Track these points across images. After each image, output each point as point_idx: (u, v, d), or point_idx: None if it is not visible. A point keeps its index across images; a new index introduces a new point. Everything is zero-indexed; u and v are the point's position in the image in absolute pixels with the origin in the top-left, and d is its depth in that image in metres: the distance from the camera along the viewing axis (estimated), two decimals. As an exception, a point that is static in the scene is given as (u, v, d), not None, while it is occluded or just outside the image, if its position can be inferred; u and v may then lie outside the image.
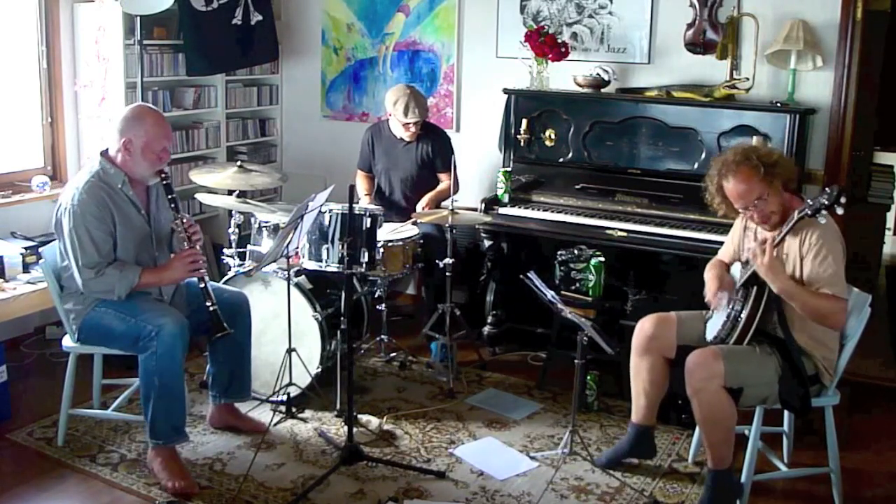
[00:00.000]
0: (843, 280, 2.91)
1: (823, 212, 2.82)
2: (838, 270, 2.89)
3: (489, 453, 3.52)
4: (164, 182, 3.26)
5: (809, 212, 2.83)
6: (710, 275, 3.22)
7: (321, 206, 3.65)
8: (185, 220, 3.27)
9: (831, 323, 2.92)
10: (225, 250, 4.18)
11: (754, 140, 4.05)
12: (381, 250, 3.99)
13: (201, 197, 4.16)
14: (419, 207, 4.57)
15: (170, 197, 3.26)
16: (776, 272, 2.89)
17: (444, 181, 4.72)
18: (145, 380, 3.14)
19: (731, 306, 3.06)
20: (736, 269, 3.17)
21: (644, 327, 3.26)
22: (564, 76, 4.69)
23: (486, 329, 4.64)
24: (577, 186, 4.50)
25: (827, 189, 2.83)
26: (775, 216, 2.97)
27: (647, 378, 3.27)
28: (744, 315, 2.99)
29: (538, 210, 4.47)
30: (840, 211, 2.80)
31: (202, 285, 3.27)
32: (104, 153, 3.26)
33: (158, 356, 3.09)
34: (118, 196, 3.20)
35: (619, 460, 3.39)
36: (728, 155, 3.04)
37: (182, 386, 3.24)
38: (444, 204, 4.55)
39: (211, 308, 3.26)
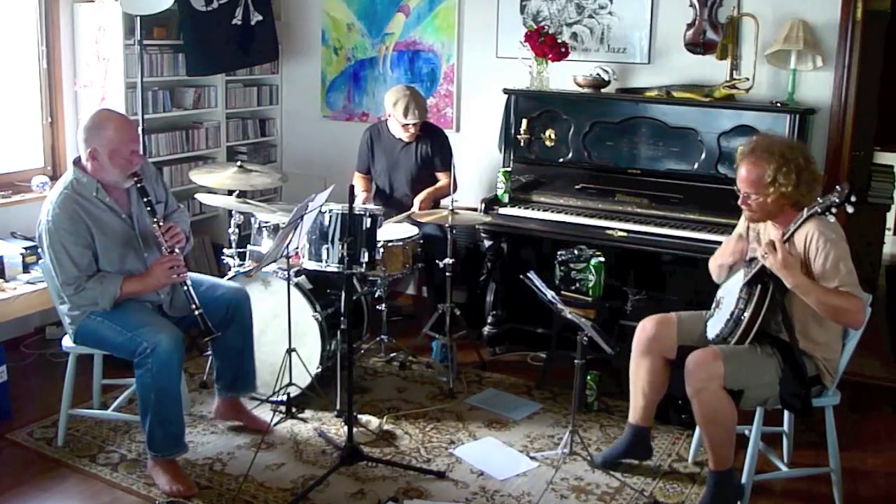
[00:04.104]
0: (856, 279, 2.88)
1: (834, 210, 2.81)
2: (850, 269, 2.87)
3: (489, 453, 3.52)
4: (139, 185, 3.19)
5: (819, 209, 2.82)
6: (719, 250, 3.24)
7: (321, 206, 3.65)
8: (161, 224, 3.21)
9: (850, 320, 2.89)
10: (225, 250, 4.18)
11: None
12: (381, 250, 3.99)
13: (201, 197, 4.16)
14: (416, 202, 4.57)
15: (145, 200, 3.19)
16: (790, 267, 2.86)
17: (443, 180, 4.72)
18: (142, 395, 3.13)
19: (734, 305, 3.06)
20: (740, 271, 3.17)
21: (645, 328, 3.26)
22: (564, 76, 4.69)
23: (486, 329, 4.64)
24: (577, 186, 4.50)
25: (837, 187, 2.82)
26: (756, 215, 3.00)
27: (645, 379, 3.27)
28: (746, 314, 2.98)
29: (538, 210, 4.47)
30: (850, 209, 2.79)
31: (185, 289, 3.24)
32: (77, 161, 3.21)
33: (154, 373, 3.07)
34: (93, 205, 3.16)
35: (615, 460, 3.39)
36: (763, 138, 3.02)
37: (179, 400, 3.22)
38: (443, 204, 4.55)
39: (196, 312, 3.23)
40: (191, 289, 3.25)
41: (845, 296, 2.84)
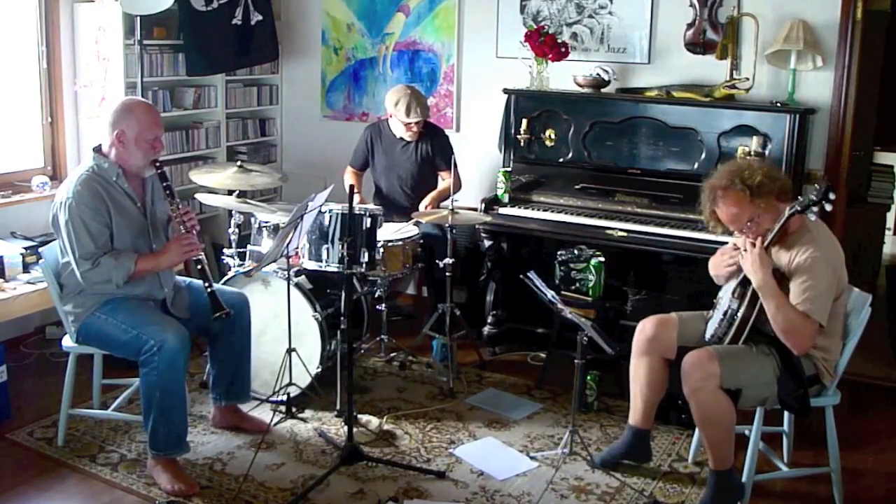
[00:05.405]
0: (823, 305, 2.87)
1: (814, 209, 2.82)
2: (820, 295, 2.86)
3: (489, 453, 3.52)
4: (160, 171, 3.27)
5: (799, 208, 2.84)
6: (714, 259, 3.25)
7: (321, 206, 3.65)
8: (180, 207, 3.29)
9: (794, 341, 2.87)
10: (225, 250, 4.18)
11: (740, 152, 4.07)
12: (381, 250, 3.99)
13: (201, 197, 4.16)
14: (421, 208, 4.56)
15: (164, 185, 3.27)
16: (763, 265, 2.88)
17: (446, 179, 4.72)
18: (146, 393, 3.13)
19: (728, 304, 3.06)
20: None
21: (645, 328, 3.26)
22: (564, 76, 4.69)
23: (486, 329, 4.64)
24: (577, 186, 4.49)
25: (816, 185, 2.83)
26: (770, 232, 2.96)
27: (645, 380, 3.27)
28: (740, 313, 2.99)
29: (538, 210, 4.47)
30: (829, 207, 2.80)
31: (199, 267, 3.28)
32: (97, 149, 3.28)
33: (160, 372, 3.08)
34: (113, 188, 3.22)
35: (614, 461, 3.39)
36: (715, 179, 3.04)
37: (184, 399, 3.23)
38: (444, 204, 4.55)
39: (208, 289, 3.26)
40: (206, 267, 3.29)
41: (802, 315, 2.84)
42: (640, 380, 3.29)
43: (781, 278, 2.93)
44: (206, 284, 3.27)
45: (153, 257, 3.25)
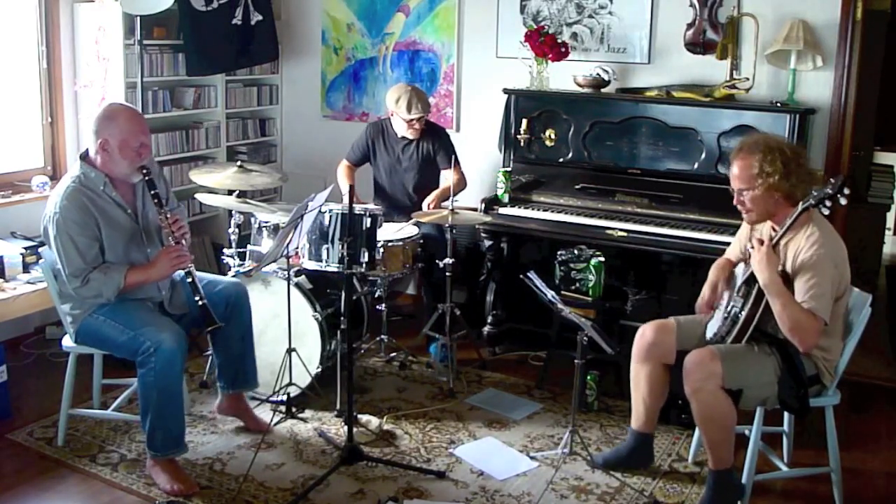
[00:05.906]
0: (827, 303, 2.86)
1: (828, 202, 2.82)
2: (824, 292, 2.86)
3: (489, 453, 3.52)
4: (147, 178, 3.22)
5: (813, 202, 2.83)
6: (709, 279, 3.22)
7: (321, 206, 3.65)
8: (169, 216, 3.23)
9: (801, 339, 2.86)
10: (225, 250, 4.18)
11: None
12: (381, 250, 3.99)
13: (201, 197, 4.16)
14: (424, 206, 4.56)
15: (152, 192, 3.22)
16: (770, 264, 2.88)
17: (448, 178, 4.71)
18: (144, 394, 3.13)
19: (730, 304, 3.06)
20: (740, 269, 3.17)
21: (644, 334, 3.25)
22: (564, 76, 4.69)
23: (486, 329, 4.64)
24: (577, 186, 4.50)
25: (831, 179, 2.83)
26: (752, 214, 2.99)
27: (646, 386, 3.26)
28: (743, 314, 2.99)
29: (538, 210, 4.47)
30: (843, 201, 2.80)
31: (189, 280, 3.24)
32: (84, 156, 3.24)
33: (157, 372, 3.07)
34: (101, 199, 3.18)
35: (616, 465, 3.38)
36: (751, 138, 3.04)
37: (181, 400, 3.22)
38: (444, 204, 4.55)
39: (200, 303, 3.23)
40: (196, 279, 3.26)
41: (807, 313, 2.84)
42: (641, 387, 3.28)
43: (785, 275, 2.93)
44: (197, 298, 3.23)
45: (143, 270, 3.21)
